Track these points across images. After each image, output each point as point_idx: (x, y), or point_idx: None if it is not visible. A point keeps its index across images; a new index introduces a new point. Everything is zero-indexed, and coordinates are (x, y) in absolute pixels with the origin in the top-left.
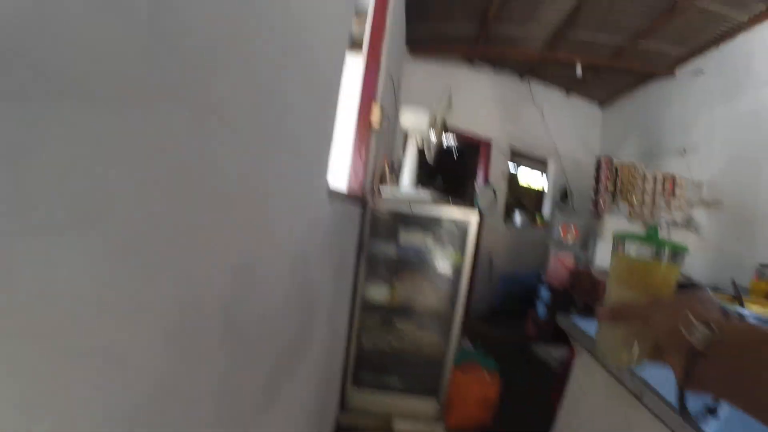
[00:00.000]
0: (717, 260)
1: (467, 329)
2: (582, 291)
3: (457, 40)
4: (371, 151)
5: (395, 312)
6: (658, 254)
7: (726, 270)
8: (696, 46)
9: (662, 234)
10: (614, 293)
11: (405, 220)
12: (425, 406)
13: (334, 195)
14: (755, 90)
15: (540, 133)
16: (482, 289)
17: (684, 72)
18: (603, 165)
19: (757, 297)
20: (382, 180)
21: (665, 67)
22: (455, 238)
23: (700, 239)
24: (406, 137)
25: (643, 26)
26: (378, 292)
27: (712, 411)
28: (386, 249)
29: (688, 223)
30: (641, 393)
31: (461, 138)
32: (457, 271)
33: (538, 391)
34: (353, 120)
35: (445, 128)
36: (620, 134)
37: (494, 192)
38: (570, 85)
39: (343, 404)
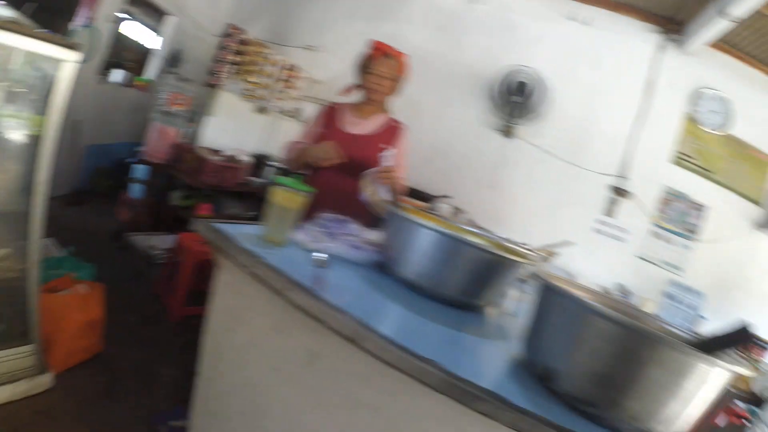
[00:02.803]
0: None
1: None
2: (186, 169)
3: None
4: None
5: None
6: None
7: None
8: None
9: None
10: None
11: None
12: (17, 357)
13: None
14: (397, 24)
15: None
16: (64, 164)
17: None
18: (233, 34)
19: None
20: None
21: None
22: (35, 91)
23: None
24: None
25: None
26: None
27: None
28: None
29: (297, 114)
30: (356, 336)
31: None
32: (34, 142)
33: (140, 286)
34: None
35: None
36: (255, 9)
37: (98, 37)
38: None
39: None
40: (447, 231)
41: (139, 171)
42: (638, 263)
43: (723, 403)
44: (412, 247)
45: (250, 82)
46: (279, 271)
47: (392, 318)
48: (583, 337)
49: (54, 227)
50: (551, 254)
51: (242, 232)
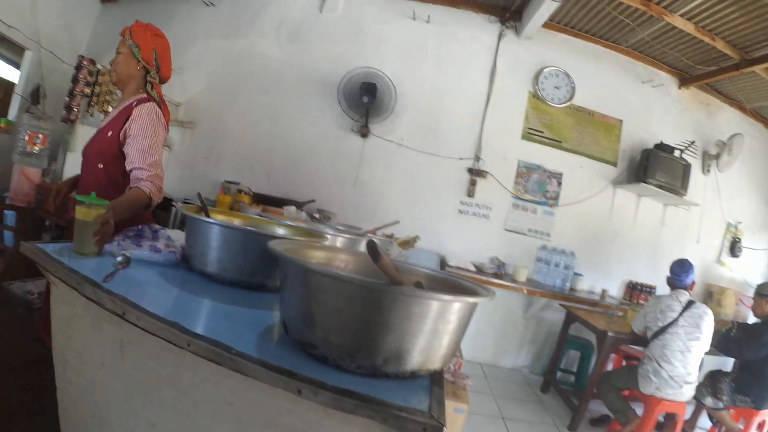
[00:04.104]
0: (187, 176)
1: None
2: (52, 210)
3: None
4: None
5: None
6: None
7: (196, 185)
8: None
9: None
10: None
11: None
12: None
13: None
14: (250, 38)
15: (26, 13)
16: None
17: None
18: (84, 66)
19: (222, 207)
20: None
21: None
22: None
23: (172, 156)
24: None
25: None
26: None
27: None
28: None
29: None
30: (124, 311)
31: None
32: None
33: (22, 332)
34: None
35: None
36: (113, 37)
37: None
38: None
39: None
40: (225, 223)
41: (8, 217)
42: (508, 235)
43: (612, 348)
44: (200, 241)
45: (107, 112)
46: (78, 274)
47: (166, 299)
48: (289, 284)
49: None
50: (413, 240)
51: (60, 249)
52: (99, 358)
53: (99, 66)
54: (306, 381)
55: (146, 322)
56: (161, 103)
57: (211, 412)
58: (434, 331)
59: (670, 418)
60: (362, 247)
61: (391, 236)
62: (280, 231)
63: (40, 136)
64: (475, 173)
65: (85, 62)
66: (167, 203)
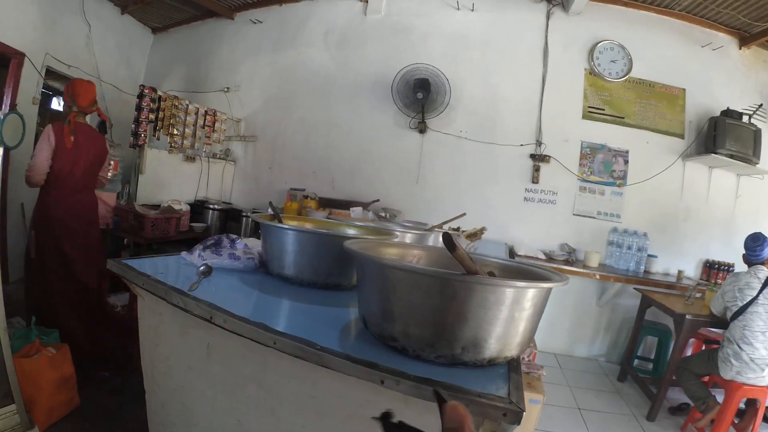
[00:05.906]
0: (253, 187)
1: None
2: (129, 229)
3: None
4: None
5: None
6: None
7: (262, 195)
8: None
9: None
10: None
11: None
12: (4, 416)
13: None
14: (299, 49)
15: (83, 52)
16: (16, 246)
17: (243, 18)
18: (146, 94)
19: (290, 213)
20: None
21: (227, 9)
22: None
23: (238, 169)
24: None
25: None
26: None
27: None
28: None
29: (227, 155)
30: (211, 315)
31: None
32: None
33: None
34: None
35: None
36: (168, 65)
37: (23, 121)
38: (127, 3)
39: None
40: (300, 228)
41: None
42: (576, 220)
43: (691, 331)
44: (277, 247)
45: (173, 135)
46: (165, 284)
47: (249, 302)
48: (367, 281)
49: (17, 307)
50: (480, 231)
51: (143, 263)
52: (186, 362)
53: (160, 93)
54: (388, 371)
55: (233, 324)
56: (70, 122)
57: (294, 407)
58: (510, 318)
59: (752, 404)
60: (431, 241)
61: (458, 229)
62: (351, 232)
63: (112, 162)
64: (538, 159)
65: (146, 90)
66: (237, 214)
